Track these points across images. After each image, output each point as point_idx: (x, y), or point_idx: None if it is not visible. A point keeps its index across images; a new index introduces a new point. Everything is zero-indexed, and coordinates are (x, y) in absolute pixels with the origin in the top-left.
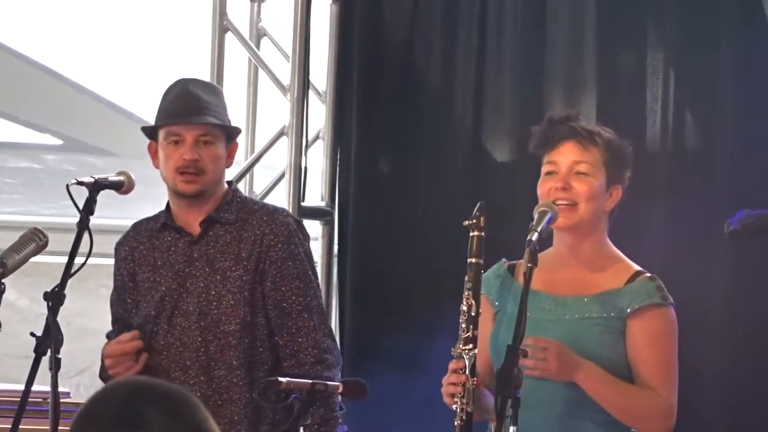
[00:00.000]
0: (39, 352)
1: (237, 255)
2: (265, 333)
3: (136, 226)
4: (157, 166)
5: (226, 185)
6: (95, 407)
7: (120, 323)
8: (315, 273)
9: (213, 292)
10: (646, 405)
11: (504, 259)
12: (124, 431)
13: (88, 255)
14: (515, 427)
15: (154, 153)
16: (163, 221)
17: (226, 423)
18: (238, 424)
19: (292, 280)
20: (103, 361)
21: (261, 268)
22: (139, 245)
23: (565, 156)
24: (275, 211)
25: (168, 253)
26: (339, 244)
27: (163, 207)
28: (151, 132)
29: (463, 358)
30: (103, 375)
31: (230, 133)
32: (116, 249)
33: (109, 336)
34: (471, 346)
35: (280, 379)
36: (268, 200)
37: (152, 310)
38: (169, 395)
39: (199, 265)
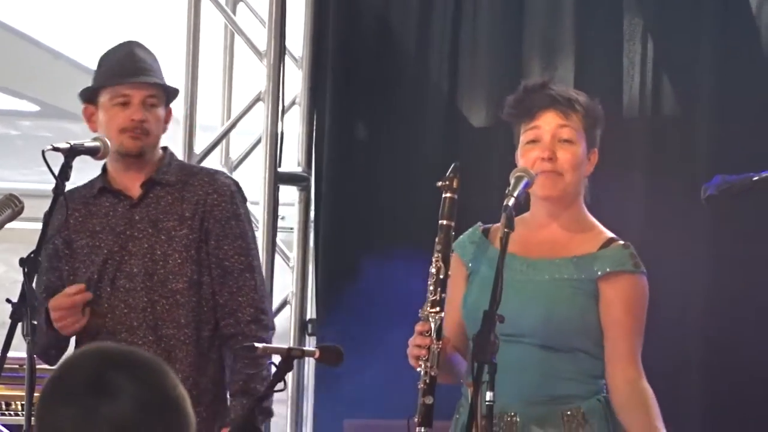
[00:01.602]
0: (15, 319)
1: (181, 215)
2: (209, 292)
3: (70, 192)
4: (94, 129)
5: (161, 150)
6: (65, 375)
7: (49, 291)
8: (254, 234)
9: (159, 252)
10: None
11: (479, 223)
12: (94, 399)
13: (46, 218)
14: (492, 393)
15: (90, 116)
16: (101, 185)
17: None
18: (184, 381)
19: (234, 239)
20: (46, 315)
21: (205, 227)
22: (74, 212)
23: (548, 124)
24: (216, 172)
25: (107, 217)
26: (315, 210)
27: None
28: (89, 96)
29: (430, 320)
30: (30, 334)
31: (169, 98)
32: (46, 217)
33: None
34: (438, 309)
35: (256, 345)
36: (244, 166)
37: (94, 274)
38: (139, 363)
39: (142, 227)
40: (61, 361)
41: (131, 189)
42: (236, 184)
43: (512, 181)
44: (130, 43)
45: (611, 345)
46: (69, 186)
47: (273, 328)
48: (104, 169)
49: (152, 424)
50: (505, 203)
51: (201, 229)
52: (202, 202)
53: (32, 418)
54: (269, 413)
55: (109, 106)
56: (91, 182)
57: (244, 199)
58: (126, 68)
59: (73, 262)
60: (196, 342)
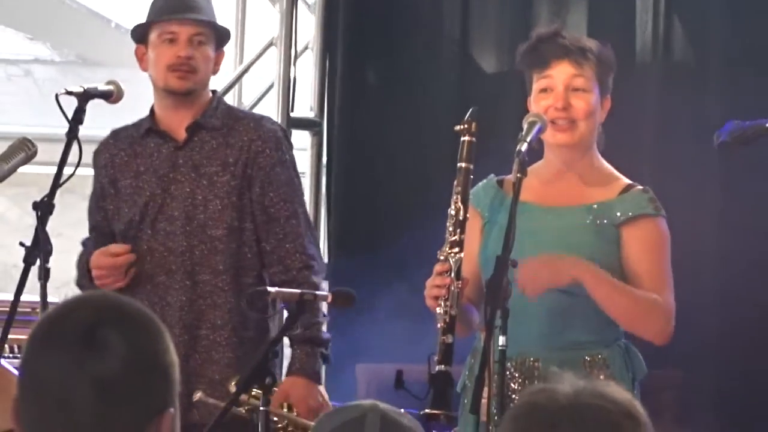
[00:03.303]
0: (28, 262)
1: (224, 161)
2: (253, 239)
3: (116, 133)
4: (145, 69)
5: (210, 93)
6: (58, 322)
7: (97, 231)
8: (300, 181)
9: (199, 197)
10: (648, 306)
11: (492, 175)
12: (81, 353)
13: (77, 165)
14: (504, 337)
15: (141, 56)
16: (148, 126)
17: (209, 327)
18: (221, 328)
19: (279, 186)
20: (85, 269)
21: (249, 174)
22: (120, 152)
23: (562, 73)
24: (262, 118)
25: (151, 159)
26: (327, 154)
27: None
28: (140, 36)
29: (449, 260)
30: (82, 283)
31: (221, 37)
32: (95, 156)
33: (85, 243)
34: (457, 249)
35: (269, 288)
36: (256, 111)
37: (136, 215)
38: (133, 321)
39: (185, 171)
40: (56, 305)
41: (177, 131)
42: (282, 129)
43: (525, 126)
44: None
45: (642, 286)
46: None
47: (324, 271)
48: (152, 109)
49: (134, 387)
50: (518, 148)
51: (244, 176)
52: (246, 148)
53: None
54: (328, 360)
55: (157, 43)
56: (140, 122)
57: (291, 146)
58: (175, 5)
59: (117, 202)
60: (236, 289)
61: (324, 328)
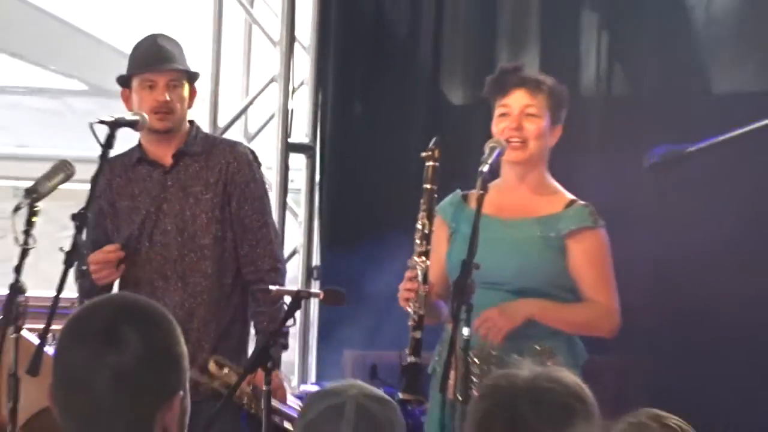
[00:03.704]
0: (67, 265)
1: (206, 181)
2: (233, 246)
3: (111, 161)
4: (130, 109)
5: (188, 123)
6: (84, 319)
7: (96, 245)
8: (268, 196)
9: (188, 213)
10: (591, 314)
11: (458, 190)
12: (103, 347)
13: (93, 183)
14: (468, 329)
15: (126, 98)
16: (139, 156)
17: (200, 321)
18: (210, 322)
19: (253, 201)
20: (86, 266)
21: (228, 191)
22: (116, 178)
23: (517, 100)
24: (235, 143)
25: (144, 182)
26: (320, 173)
27: None
28: (124, 81)
29: (417, 268)
30: (79, 277)
31: (191, 78)
32: (92, 183)
33: (82, 257)
34: (424, 258)
35: (271, 287)
36: (260, 137)
37: (134, 231)
38: (149, 319)
39: (173, 191)
40: (84, 304)
41: (164, 159)
42: (252, 152)
43: (487, 150)
44: (153, 36)
45: (585, 292)
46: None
47: (286, 273)
48: (140, 142)
49: (148, 376)
50: (480, 169)
51: (224, 193)
52: (224, 170)
53: None
54: (285, 346)
55: (139, 90)
56: (130, 152)
57: (259, 165)
58: (150, 57)
59: (116, 221)
60: (219, 288)
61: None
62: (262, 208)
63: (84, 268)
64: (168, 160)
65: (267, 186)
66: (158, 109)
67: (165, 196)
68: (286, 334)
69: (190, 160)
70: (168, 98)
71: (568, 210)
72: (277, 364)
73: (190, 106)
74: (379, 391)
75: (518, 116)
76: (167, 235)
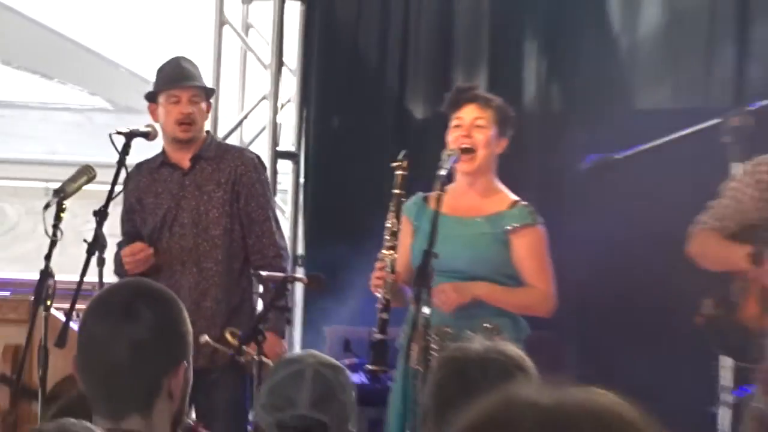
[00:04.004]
0: (89, 253)
1: (218, 181)
2: (240, 237)
3: (139, 165)
4: (156, 120)
5: (205, 132)
6: (104, 298)
7: (128, 235)
8: (271, 194)
9: (202, 208)
10: (531, 298)
11: (420, 193)
12: (122, 321)
13: (125, 185)
14: (429, 309)
15: (153, 111)
16: (162, 161)
17: (213, 300)
18: (221, 301)
19: (258, 198)
20: (119, 262)
21: (236, 190)
22: (143, 179)
23: (469, 114)
24: (244, 149)
25: (166, 183)
26: (304, 178)
27: None
28: (151, 96)
29: (386, 260)
30: (119, 271)
31: (208, 95)
32: (125, 183)
33: (120, 245)
34: (392, 251)
35: (262, 273)
36: (253, 146)
37: (158, 223)
38: (159, 300)
39: (191, 190)
40: (106, 286)
41: (183, 162)
42: (258, 157)
43: (444, 157)
44: (177, 58)
45: (526, 279)
46: (131, 159)
47: (289, 258)
48: (164, 148)
49: (158, 347)
50: (438, 173)
51: (233, 191)
52: (233, 172)
53: None
54: (289, 321)
55: (165, 104)
56: (155, 157)
57: (264, 168)
58: (176, 76)
59: (143, 214)
60: (228, 273)
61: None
62: (265, 204)
63: (104, 257)
64: (186, 164)
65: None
66: (182, 121)
67: (183, 194)
68: (290, 310)
69: (205, 164)
70: (191, 111)
71: (511, 209)
72: (282, 335)
73: (206, 118)
74: (332, 360)
75: (469, 127)
76: (184, 227)
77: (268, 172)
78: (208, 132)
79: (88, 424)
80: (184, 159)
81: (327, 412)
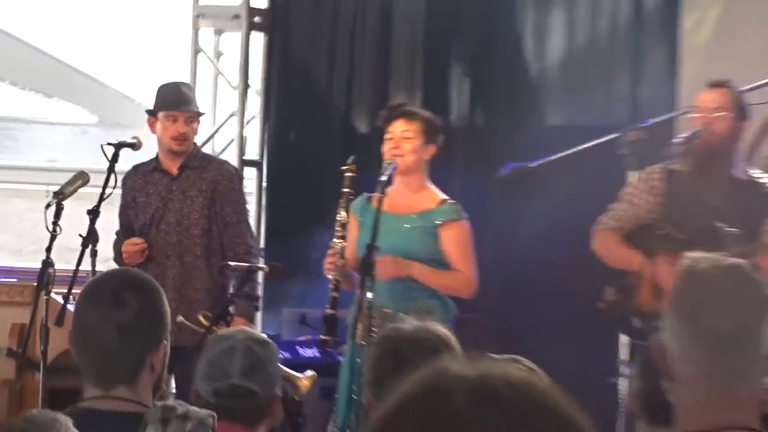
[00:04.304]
0: (84, 245)
1: (200, 188)
2: (217, 236)
3: (135, 167)
4: (154, 132)
5: (193, 145)
6: (96, 286)
7: (124, 227)
8: (245, 201)
9: (185, 210)
10: (456, 280)
11: (365, 193)
12: (110, 307)
13: (114, 187)
14: (371, 294)
15: (152, 124)
16: (154, 166)
17: (192, 289)
18: (200, 290)
19: (232, 204)
20: (118, 251)
21: (213, 197)
22: (138, 179)
23: (398, 127)
24: (224, 162)
25: (156, 186)
26: (266, 182)
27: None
28: (153, 112)
29: (336, 247)
30: (118, 260)
31: (199, 116)
32: (123, 181)
33: (118, 233)
34: (341, 240)
35: (230, 263)
36: (224, 155)
37: (147, 220)
38: (145, 289)
39: (176, 194)
40: (97, 275)
41: (172, 169)
42: (236, 170)
43: (384, 165)
44: (179, 83)
45: (453, 266)
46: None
47: (259, 255)
48: (157, 155)
49: (142, 329)
50: (380, 179)
51: (212, 198)
52: (213, 180)
53: None
54: (257, 308)
55: (164, 120)
56: (149, 161)
57: (241, 180)
58: (176, 100)
59: (136, 210)
60: (207, 266)
61: (257, 290)
62: (239, 209)
63: (96, 249)
64: (175, 171)
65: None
66: (178, 137)
67: (170, 197)
68: (258, 298)
69: (191, 172)
70: (185, 130)
71: (440, 207)
72: (251, 319)
73: (195, 134)
74: (261, 335)
75: (398, 139)
76: (169, 225)
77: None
78: (195, 144)
79: (53, 412)
80: (173, 166)
81: (256, 381)
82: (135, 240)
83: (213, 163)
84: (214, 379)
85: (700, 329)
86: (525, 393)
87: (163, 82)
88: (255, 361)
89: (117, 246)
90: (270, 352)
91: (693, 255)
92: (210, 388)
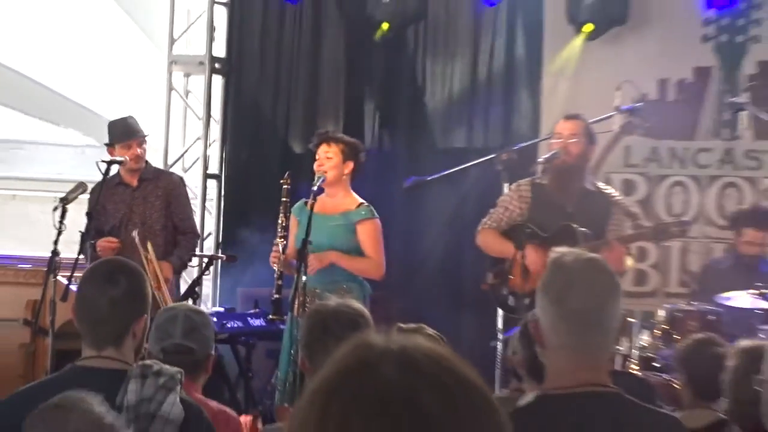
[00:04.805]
0: (83, 240)
1: (157, 194)
2: (172, 229)
3: (100, 183)
4: (114, 156)
5: (145, 162)
6: (96, 269)
7: (98, 230)
8: (188, 200)
9: (147, 213)
10: (368, 265)
11: (303, 199)
12: (104, 285)
13: (91, 194)
14: (305, 277)
15: (111, 153)
16: (118, 181)
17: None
18: (164, 255)
19: (182, 207)
20: (93, 242)
21: (168, 200)
22: (106, 191)
23: (323, 149)
24: (172, 173)
25: (122, 195)
26: (224, 191)
27: None
28: (110, 144)
29: (279, 244)
30: (89, 248)
31: (145, 138)
32: (91, 192)
33: (86, 235)
34: (283, 239)
35: (198, 253)
36: (191, 170)
37: (117, 222)
38: (134, 273)
39: (138, 200)
40: (94, 262)
41: (132, 182)
42: (182, 179)
43: (316, 178)
44: (124, 118)
45: (366, 254)
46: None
47: (199, 238)
48: (119, 172)
49: (129, 303)
50: (312, 188)
51: (166, 201)
52: (166, 188)
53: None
54: (184, 266)
55: (120, 149)
56: (114, 176)
57: (185, 185)
58: (126, 131)
59: (105, 216)
60: (166, 253)
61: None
62: (187, 211)
63: (93, 242)
64: (134, 183)
65: (192, 197)
66: (136, 160)
67: (133, 203)
68: (187, 261)
69: (147, 183)
70: (139, 152)
71: (358, 208)
72: (174, 266)
73: (145, 152)
74: (198, 308)
75: (323, 159)
76: (135, 224)
77: (200, 188)
78: (147, 161)
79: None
80: (133, 180)
81: (193, 341)
82: (110, 239)
83: (164, 174)
84: (161, 340)
85: (565, 309)
86: (437, 360)
87: (111, 120)
88: (192, 326)
89: (90, 244)
90: (205, 319)
91: (559, 250)
92: (158, 347)
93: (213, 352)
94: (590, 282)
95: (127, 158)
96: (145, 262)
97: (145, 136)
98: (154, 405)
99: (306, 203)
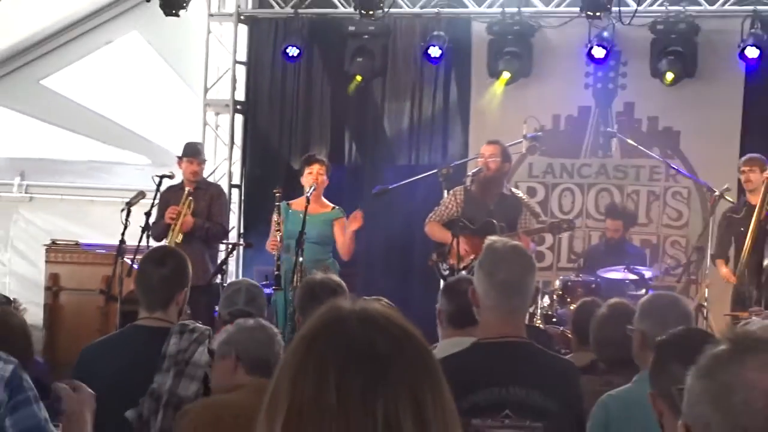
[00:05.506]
0: (142, 232)
1: (204, 198)
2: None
3: (169, 187)
4: (181, 168)
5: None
6: (151, 253)
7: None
8: (228, 206)
9: (198, 210)
10: (342, 249)
11: (284, 201)
12: (157, 265)
13: (161, 196)
14: (302, 258)
15: (179, 163)
16: (181, 186)
17: (199, 251)
18: (205, 252)
19: (219, 207)
20: (159, 228)
21: (210, 203)
22: (173, 192)
23: (315, 168)
24: (216, 184)
25: (182, 196)
26: (244, 197)
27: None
28: (180, 157)
29: (276, 235)
30: (156, 237)
31: (203, 161)
32: (162, 194)
33: (156, 222)
34: (278, 233)
35: (225, 242)
36: (220, 181)
37: (180, 213)
38: (179, 257)
39: (195, 201)
40: (150, 249)
41: (191, 188)
42: (221, 188)
43: (307, 189)
44: (194, 142)
45: (338, 242)
46: (166, 184)
47: (229, 232)
48: (183, 180)
49: (175, 278)
50: (306, 196)
51: (209, 203)
52: (210, 194)
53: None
54: (206, 232)
55: (185, 162)
56: (179, 183)
57: (224, 194)
58: (192, 151)
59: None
60: (206, 236)
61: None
62: (223, 209)
63: (151, 232)
64: (192, 188)
65: (228, 201)
66: (192, 173)
67: (191, 202)
68: (207, 230)
69: (200, 190)
70: (196, 169)
71: (333, 210)
72: (195, 224)
73: (203, 170)
74: (256, 282)
75: (316, 175)
76: (194, 215)
77: (228, 195)
78: (201, 175)
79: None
80: (191, 186)
81: (253, 308)
82: (174, 207)
83: (212, 185)
84: (229, 305)
85: (495, 280)
86: (387, 317)
87: (187, 141)
88: (252, 296)
89: (156, 228)
90: (260, 292)
91: (491, 238)
92: (227, 311)
93: (265, 314)
94: (514, 261)
95: (173, 173)
96: (183, 208)
97: (204, 159)
98: (189, 354)
99: (289, 204)
